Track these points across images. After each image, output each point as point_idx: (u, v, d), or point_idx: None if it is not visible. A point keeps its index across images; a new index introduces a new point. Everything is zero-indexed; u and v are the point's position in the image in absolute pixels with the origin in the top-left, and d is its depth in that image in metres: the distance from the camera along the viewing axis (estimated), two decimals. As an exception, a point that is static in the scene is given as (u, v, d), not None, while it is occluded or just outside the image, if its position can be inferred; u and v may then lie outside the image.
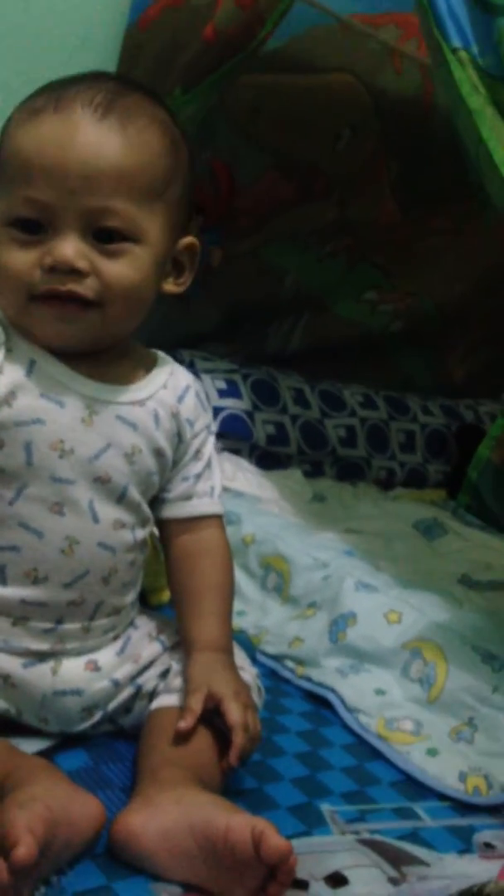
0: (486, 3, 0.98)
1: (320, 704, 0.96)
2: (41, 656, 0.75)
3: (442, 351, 2.16)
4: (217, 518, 0.85)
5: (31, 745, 0.74)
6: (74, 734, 0.77)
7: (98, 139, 0.69)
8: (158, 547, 0.88)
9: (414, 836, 0.75)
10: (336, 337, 1.97)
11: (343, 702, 0.95)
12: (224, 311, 1.82)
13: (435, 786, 0.84)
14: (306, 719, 0.93)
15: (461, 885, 0.63)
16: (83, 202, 0.69)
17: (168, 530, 0.84)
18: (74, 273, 0.69)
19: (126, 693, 0.79)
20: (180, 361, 0.87)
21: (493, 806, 0.82)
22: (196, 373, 1.61)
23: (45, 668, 0.75)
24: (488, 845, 0.76)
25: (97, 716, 0.77)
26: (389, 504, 1.65)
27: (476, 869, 0.70)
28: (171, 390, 0.81)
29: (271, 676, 1.00)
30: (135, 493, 0.77)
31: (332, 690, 0.97)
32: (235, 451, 1.61)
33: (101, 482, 0.75)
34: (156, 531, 0.85)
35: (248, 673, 0.82)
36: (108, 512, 0.76)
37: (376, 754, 0.88)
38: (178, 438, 0.81)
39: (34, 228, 0.70)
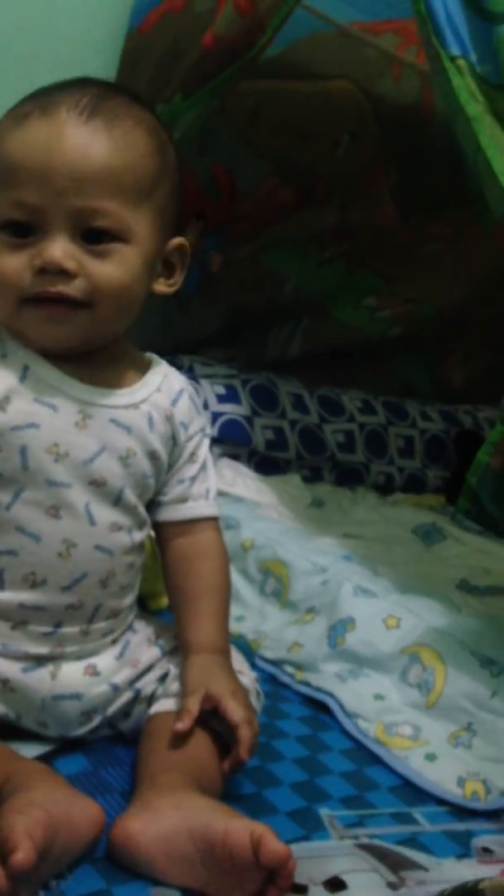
0: (485, 11, 0.98)
1: (319, 709, 0.96)
2: (40, 660, 0.75)
3: (441, 356, 2.16)
4: (213, 520, 0.85)
5: (30, 750, 0.74)
6: (73, 739, 0.77)
7: (84, 141, 0.70)
8: (157, 551, 0.88)
9: (412, 841, 0.75)
10: (335, 342, 1.98)
11: (342, 707, 0.95)
12: (223, 317, 1.83)
13: (433, 791, 0.84)
14: (305, 724, 0.93)
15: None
16: (71, 203, 0.69)
17: (164, 533, 0.84)
18: (63, 274, 0.70)
19: (125, 697, 0.79)
20: (179, 366, 0.88)
21: (491, 811, 0.82)
22: (195, 378, 1.61)
23: (44, 673, 0.75)
24: (486, 850, 0.76)
25: (96, 720, 0.77)
26: (388, 509, 1.65)
27: (474, 874, 0.70)
28: (164, 393, 0.81)
29: (270, 681, 1.00)
30: (131, 496, 0.78)
31: (331, 695, 0.97)
32: (234, 457, 1.61)
33: (96, 485, 0.75)
34: (153, 535, 0.85)
35: (247, 677, 0.82)
36: (105, 515, 0.76)
37: (375, 759, 0.88)
38: (173, 441, 0.81)
39: (24, 231, 0.70)
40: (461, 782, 0.84)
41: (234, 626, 1.10)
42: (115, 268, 0.71)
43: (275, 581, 1.17)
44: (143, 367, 0.82)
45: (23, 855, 0.54)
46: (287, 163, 1.70)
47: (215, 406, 1.61)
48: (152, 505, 0.82)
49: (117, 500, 0.77)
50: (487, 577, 1.31)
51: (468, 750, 0.90)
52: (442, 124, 1.64)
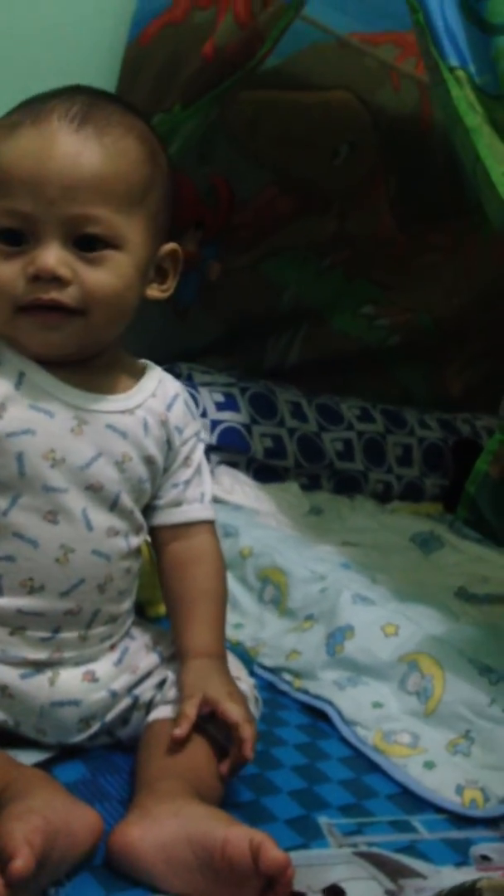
0: (484, 22, 0.99)
1: (318, 717, 0.96)
2: (39, 666, 0.75)
3: (439, 365, 2.17)
4: (208, 524, 0.85)
5: (28, 757, 0.73)
6: (72, 746, 0.77)
7: (75, 148, 0.70)
8: (154, 558, 0.89)
9: (411, 849, 0.75)
10: (334, 350, 1.98)
11: (340, 714, 0.95)
12: (222, 325, 1.83)
13: (432, 798, 0.84)
14: (304, 732, 0.93)
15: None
16: (63, 211, 0.70)
17: (160, 537, 0.84)
18: (57, 281, 0.70)
19: (123, 704, 0.79)
20: (178, 374, 0.88)
21: (489, 818, 0.82)
22: (194, 386, 1.62)
23: (42, 679, 0.75)
24: (485, 858, 0.76)
25: (95, 727, 0.77)
26: (386, 517, 1.66)
27: (473, 882, 0.70)
28: (159, 398, 0.82)
29: (269, 689, 1.00)
30: (127, 501, 0.78)
31: (330, 703, 0.97)
32: (233, 464, 1.61)
33: (93, 490, 0.76)
34: (150, 540, 0.85)
35: (246, 684, 0.82)
36: (102, 519, 0.76)
37: (373, 767, 0.88)
38: (168, 446, 0.82)
39: (16, 240, 0.71)
40: (460, 790, 0.84)
41: (233, 634, 1.10)
42: (108, 275, 0.72)
43: (273, 589, 1.17)
44: (138, 373, 0.82)
45: (22, 862, 0.54)
46: (286, 172, 1.71)
47: (214, 414, 1.61)
48: (147, 509, 0.83)
49: (114, 505, 0.77)
50: (485, 585, 1.31)
51: (467, 758, 0.90)
52: (441, 135, 1.66)
